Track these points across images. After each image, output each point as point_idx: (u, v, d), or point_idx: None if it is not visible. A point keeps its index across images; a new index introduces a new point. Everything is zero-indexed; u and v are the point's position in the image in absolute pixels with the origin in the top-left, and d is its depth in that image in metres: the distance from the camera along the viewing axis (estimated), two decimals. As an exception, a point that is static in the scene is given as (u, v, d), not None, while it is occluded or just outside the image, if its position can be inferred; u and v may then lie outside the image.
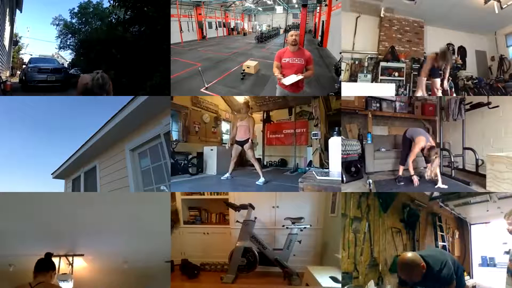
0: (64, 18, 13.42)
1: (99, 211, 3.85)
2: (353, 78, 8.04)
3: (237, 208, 5.08)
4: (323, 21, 13.93)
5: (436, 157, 5.12)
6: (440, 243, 5.78)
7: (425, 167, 5.94)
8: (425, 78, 5.50)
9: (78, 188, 8.88)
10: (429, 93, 5.85)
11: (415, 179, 5.29)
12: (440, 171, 5.84)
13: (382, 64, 8.02)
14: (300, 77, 4.84)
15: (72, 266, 4.46)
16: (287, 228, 5.02)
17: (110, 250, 4.51)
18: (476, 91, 7.47)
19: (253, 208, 5.01)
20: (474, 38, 8.86)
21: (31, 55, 11.41)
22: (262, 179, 6.43)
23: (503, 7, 6.95)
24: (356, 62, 8.19)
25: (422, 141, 5.23)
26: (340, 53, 8.01)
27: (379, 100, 7.34)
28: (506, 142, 6.21)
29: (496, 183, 4.54)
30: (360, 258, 4.52)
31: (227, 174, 6.96)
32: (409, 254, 3.08)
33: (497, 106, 6.17)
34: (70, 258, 4.48)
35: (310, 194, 5.20)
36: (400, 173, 5.54)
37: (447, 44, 8.84)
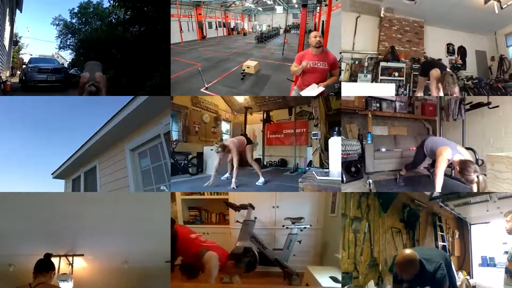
0: (64, 18, 13.44)
1: (99, 211, 3.85)
2: (353, 78, 8.04)
3: (237, 208, 5.09)
4: (323, 21, 13.89)
5: (477, 176, 3.65)
6: (440, 243, 5.78)
7: (426, 167, 5.94)
8: (426, 80, 5.30)
9: (78, 188, 8.88)
10: (429, 92, 5.82)
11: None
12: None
13: (382, 64, 8.01)
14: (321, 89, 4.36)
15: (72, 266, 4.45)
16: (287, 228, 5.02)
17: (110, 250, 4.51)
18: (476, 91, 7.47)
19: (253, 208, 5.02)
20: (474, 38, 8.85)
21: (31, 55, 11.42)
22: (261, 179, 6.43)
23: (503, 7, 6.95)
24: (356, 62, 8.19)
25: (446, 152, 3.94)
26: (340, 53, 8.00)
27: (379, 100, 7.34)
28: (506, 142, 6.21)
29: (496, 183, 4.53)
30: (360, 258, 4.52)
31: (227, 174, 6.97)
32: (408, 251, 3.14)
33: (497, 106, 6.17)
34: (70, 258, 4.47)
35: (310, 194, 5.20)
36: (402, 173, 5.53)
37: (447, 44, 8.84)
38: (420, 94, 5.83)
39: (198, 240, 4.05)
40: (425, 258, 3.08)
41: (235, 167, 5.92)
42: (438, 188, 3.88)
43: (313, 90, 4.40)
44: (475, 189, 3.70)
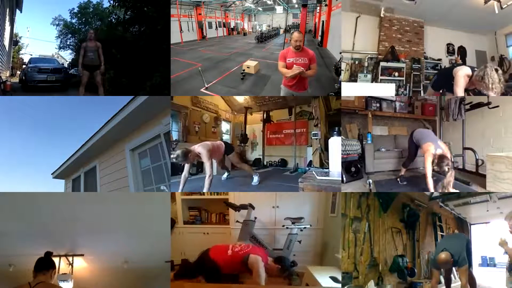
0: (64, 18, 13.44)
1: (99, 211, 3.85)
2: (353, 78, 8.05)
3: (237, 208, 5.09)
4: (323, 21, 13.93)
5: (449, 169, 4.16)
6: (440, 243, 5.78)
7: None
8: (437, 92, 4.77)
9: (78, 188, 8.88)
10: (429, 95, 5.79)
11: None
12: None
13: (382, 64, 8.02)
14: (301, 68, 4.74)
15: (72, 266, 4.46)
16: (287, 228, 5.02)
17: (110, 250, 4.51)
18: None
19: (253, 208, 5.02)
20: (474, 38, 8.87)
21: (31, 55, 11.41)
22: (255, 179, 6.36)
23: (503, 7, 6.96)
24: (356, 62, 8.20)
25: (431, 148, 4.43)
26: (340, 53, 8.01)
27: (379, 100, 7.34)
28: (506, 142, 6.20)
29: (496, 183, 4.54)
30: (360, 258, 4.53)
31: (226, 174, 6.97)
32: (443, 255, 4.47)
33: (497, 106, 6.17)
34: (70, 258, 4.48)
35: (310, 194, 5.20)
36: (402, 173, 5.53)
37: (447, 44, 8.85)
38: (427, 97, 5.71)
39: (235, 253, 3.88)
40: (454, 252, 4.44)
41: (207, 174, 5.12)
42: (431, 186, 4.29)
43: (294, 69, 4.76)
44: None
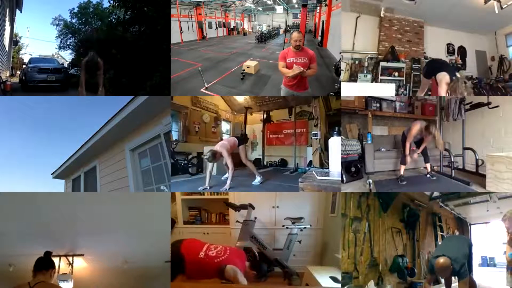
0: (64, 18, 13.40)
1: (99, 211, 3.85)
2: (353, 78, 8.04)
3: (237, 208, 5.09)
4: (323, 21, 13.93)
5: (436, 130, 5.19)
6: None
7: (425, 167, 5.96)
8: (429, 81, 5.28)
9: (78, 188, 8.88)
10: (429, 92, 5.81)
11: (408, 159, 5.47)
12: (440, 170, 6.02)
13: (382, 64, 8.01)
14: (301, 68, 4.76)
15: (72, 266, 4.46)
16: (287, 228, 5.02)
17: (110, 250, 4.51)
18: (476, 91, 7.48)
19: (253, 208, 5.02)
20: (474, 38, 8.86)
21: (31, 55, 11.38)
22: (258, 179, 6.39)
23: (503, 7, 6.95)
24: (356, 62, 8.19)
25: (417, 124, 5.27)
26: (340, 53, 8.00)
27: (379, 100, 7.34)
28: (506, 142, 6.21)
29: (496, 183, 4.54)
30: (360, 258, 4.52)
31: (227, 174, 6.98)
32: (442, 260, 4.03)
33: (497, 106, 6.17)
34: (70, 258, 4.48)
35: (310, 194, 5.20)
36: (402, 172, 5.54)
37: (447, 44, 8.84)
38: (422, 94, 5.83)
39: (209, 258, 3.60)
40: (453, 259, 3.98)
41: (230, 168, 5.85)
42: (407, 144, 5.37)
43: (295, 69, 4.81)
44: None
